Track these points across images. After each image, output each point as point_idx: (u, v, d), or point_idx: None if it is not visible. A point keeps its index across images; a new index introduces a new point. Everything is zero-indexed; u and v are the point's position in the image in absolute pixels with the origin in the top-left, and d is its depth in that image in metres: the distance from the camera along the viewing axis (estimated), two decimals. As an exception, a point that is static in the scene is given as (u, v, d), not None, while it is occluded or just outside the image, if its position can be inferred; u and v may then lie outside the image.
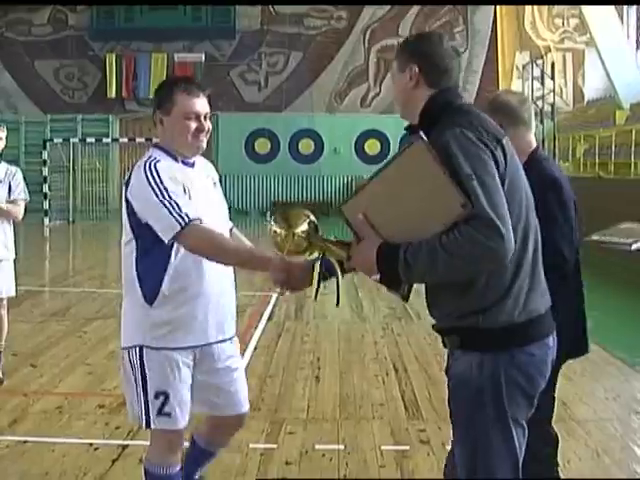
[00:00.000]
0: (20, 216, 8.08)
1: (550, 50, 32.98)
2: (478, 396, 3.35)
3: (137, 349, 4.26)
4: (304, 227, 3.77)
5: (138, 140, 30.34)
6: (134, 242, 4.24)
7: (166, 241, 4.06)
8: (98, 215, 30.29)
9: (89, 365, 8.84)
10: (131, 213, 4.19)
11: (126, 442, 6.35)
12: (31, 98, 35.71)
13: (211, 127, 4.46)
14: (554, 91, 29.32)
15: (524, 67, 32.58)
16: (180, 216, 4.01)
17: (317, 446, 6.51)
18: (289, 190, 35.16)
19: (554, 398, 4.69)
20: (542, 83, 29.54)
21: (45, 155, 29.94)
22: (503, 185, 3.24)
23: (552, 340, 3.47)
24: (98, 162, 33.06)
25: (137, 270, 4.25)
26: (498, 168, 3.24)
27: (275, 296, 13.12)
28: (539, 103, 28.77)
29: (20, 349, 9.19)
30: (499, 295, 3.30)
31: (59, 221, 29.37)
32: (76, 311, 12.23)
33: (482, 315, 3.31)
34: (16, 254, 8.32)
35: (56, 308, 12.54)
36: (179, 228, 4.00)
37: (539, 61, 30.74)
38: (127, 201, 4.20)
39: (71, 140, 31.60)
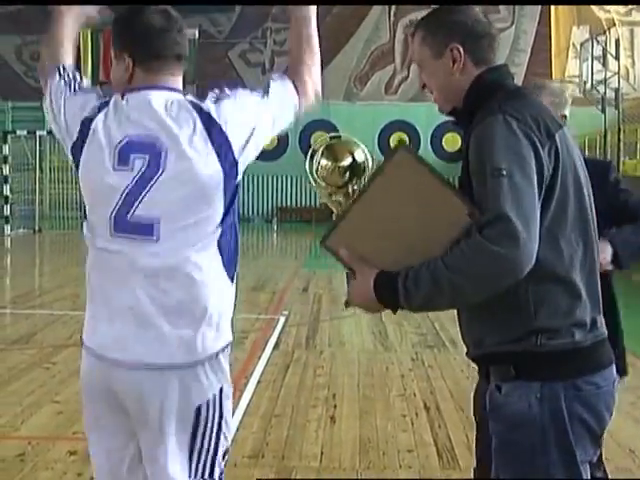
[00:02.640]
0: None
1: (614, 24, 32.96)
2: (541, 438, 3.31)
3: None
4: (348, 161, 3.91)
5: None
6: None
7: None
8: (70, 223, 30.35)
9: (58, 403, 8.84)
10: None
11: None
12: (-11, 82, 35.89)
13: None
14: (619, 73, 29.20)
15: (582, 45, 32.45)
16: None
17: (332, 501, 6.51)
18: (299, 193, 35.23)
19: None
20: (604, 64, 29.44)
21: (6, 150, 29.99)
22: (551, 190, 3.23)
23: (614, 368, 3.46)
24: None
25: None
26: (542, 169, 3.21)
27: (282, 320, 13.12)
28: (600, 88, 28.70)
29: (-25, 383, 9.17)
30: (561, 312, 3.28)
31: (23, 230, 29.41)
32: (43, 337, 12.24)
33: (542, 335, 3.27)
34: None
35: (19, 334, 12.56)
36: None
37: (601, 37, 30.63)
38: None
39: (37, 132, 31.55)
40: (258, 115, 3.85)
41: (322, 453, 7.52)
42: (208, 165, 3.66)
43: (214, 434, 3.82)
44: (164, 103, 3.75)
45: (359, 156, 3.88)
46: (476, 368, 3.66)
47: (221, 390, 3.83)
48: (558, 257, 3.26)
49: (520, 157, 3.16)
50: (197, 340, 3.71)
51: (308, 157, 4.05)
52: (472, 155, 3.25)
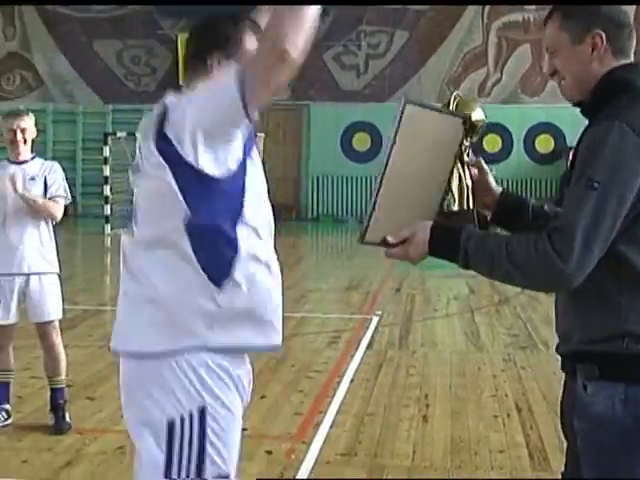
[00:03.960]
0: (58, 216, 8.07)
1: None
2: (624, 440, 3.30)
3: None
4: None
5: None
6: None
7: None
8: (167, 222, 30.34)
9: (155, 398, 8.89)
10: None
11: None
12: (90, 85, 36.14)
13: None
14: None
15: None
16: None
17: (424, 500, 6.49)
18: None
19: None
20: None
21: (106, 151, 30.22)
22: None
23: None
24: (168, 160, 33.33)
25: None
26: None
27: (376, 320, 13.11)
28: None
29: (75, 379, 9.27)
30: None
31: (123, 229, 29.64)
32: (141, 335, 12.31)
33: (629, 338, 3.26)
34: (60, 268, 8.31)
35: (118, 331, 12.65)
36: None
37: None
38: None
39: (137, 134, 31.74)
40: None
41: (414, 452, 7.51)
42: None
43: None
44: None
45: (477, 115, 3.85)
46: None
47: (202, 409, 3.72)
48: None
49: (621, 174, 3.13)
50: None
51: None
52: (579, 155, 3.24)
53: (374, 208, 3.48)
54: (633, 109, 3.24)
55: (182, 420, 3.66)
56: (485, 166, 3.79)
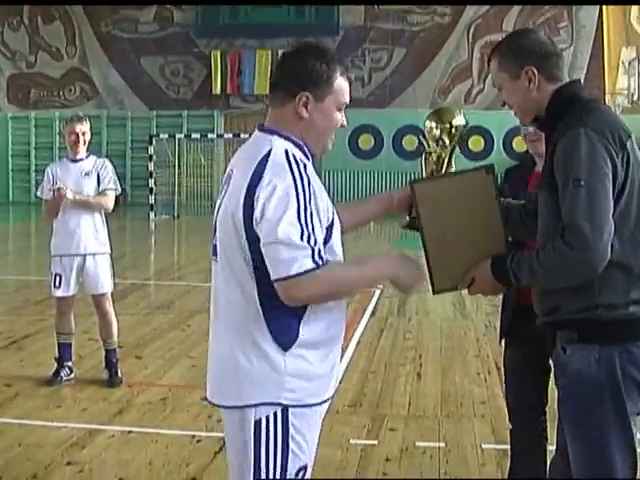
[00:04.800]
0: (109, 207, 8.13)
1: (657, 45, 32.32)
2: (597, 392, 3.35)
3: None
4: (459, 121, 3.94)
5: (243, 136, 30.34)
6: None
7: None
8: (203, 210, 30.52)
9: (193, 358, 8.94)
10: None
11: (228, 435, 6.40)
12: (137, 94, 36.17)
13: None
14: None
15: (630, 63, 31.98)
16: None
17: (418, 443, 6.50)
18: (393, 186, 35.03)
19: None
20: (648, 79, 29.01)
21: (151, 150, 30.31)
22: (622, 192, 3.25)
23: None
24: (203, 158, 33.27)
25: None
26: (616, 177, 3.23)
27: (378, 292, 13.11)
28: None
29: (125, 341, 9.30)
30: (619, 292, 3.31)
31: (164, 216, 29.69)
32: (180, 304, 12.38)
33: (602, 308, 3.31)
34: (112, 248, 8.34)
35: (161, 301, 12.72)
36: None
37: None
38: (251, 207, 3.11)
39: (176, 136, 31.79)
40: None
41: (409, 403, 7.53)
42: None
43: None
44: None
45: (458, 120, 3.94)
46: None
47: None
48: (620, 247, 3.28)
49: (598, 168, 3.18)
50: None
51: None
52: (557, 165, 3.27)
53: (430, 266, 3.57)
54: (589, 118, 3.29)
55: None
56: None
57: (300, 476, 3.24)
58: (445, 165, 3.92)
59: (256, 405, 3.18)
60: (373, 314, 11.68)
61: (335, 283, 3.12)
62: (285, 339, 3.18)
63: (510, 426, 5.08)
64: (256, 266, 3.14)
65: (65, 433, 6.62)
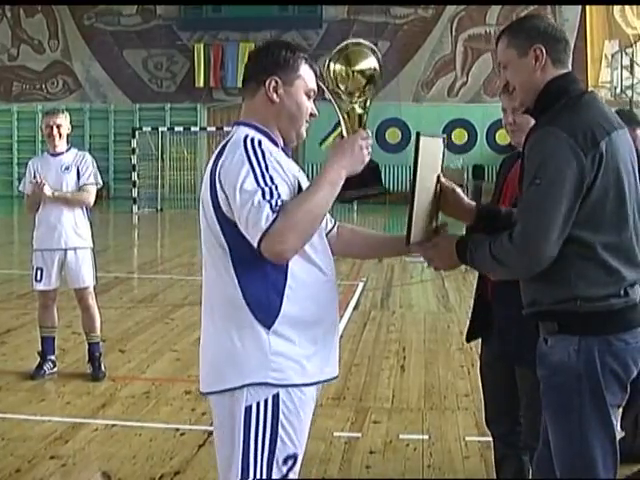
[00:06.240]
0: (90, 202, 8.10)
1: None
2: (577, 383, 3.38)
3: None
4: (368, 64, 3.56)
5: (226, 129, 30.29)
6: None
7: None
8: (186, 203, 30.47)
9: (176, 351, 8.94)
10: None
11: (212, 428, 6.37)
12: (120, 87, 36.11)
13: None
14: (644, 80, 28.86)
15: (613, 56, 32.08)
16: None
17: (401, 435, 6.51)
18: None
19: None
20: (631, 72, 29.09)
21: (134, 143, 30.25)
22: (590, 190, 3.26)
23: None
24: (186, 151, 33.24)
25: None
26: (583, 175, 3.24)
27: (361, 285, 13.12)
28: (628, 92, 28.32)
29: (109, 335, 9.28)
30: (597, 284, 3.33)
31: (147, 209, 29.64)
32: (164, 298, 12.37)
33: (581, 300, 3.34)
34: (94, 242, 8.31)
35: (144, 294, 12.70)
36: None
37: (628, 49, 30.28)
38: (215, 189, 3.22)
39: (159, 129, 31.73)
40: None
41: (393, 396, 7.53)
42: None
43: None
44: None
45: (372, 63, 3.56)
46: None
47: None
48: (596, 242, 3.31)
49: (559, 169, 3.21)
50: None
51: (326, 64, 3.60)
52: (525, 159, 3.35)
53: (411, 216, 3.49)
54: (565, 115, 3.32)
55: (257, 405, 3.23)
56: (457, 188, 3.79)
57: (289, 465, 3.27)
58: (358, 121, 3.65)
59: (242, 387, 3.21)
60: (356, 307, 11.68)
61: (303, 214, 3.08)
62: (266, 315, 3.22)
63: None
64: (228, 244, 3.22)
65: (48, 427, 6.60)
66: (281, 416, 3.23)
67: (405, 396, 7.54)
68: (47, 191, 7.87)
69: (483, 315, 4.64)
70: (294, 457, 3.29)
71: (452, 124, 34.39)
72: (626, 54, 29.93)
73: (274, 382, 3.22)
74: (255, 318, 3.21)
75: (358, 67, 3.54)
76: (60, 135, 8.07)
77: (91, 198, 8.10)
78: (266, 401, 3.21)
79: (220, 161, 3.21)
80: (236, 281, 3.22)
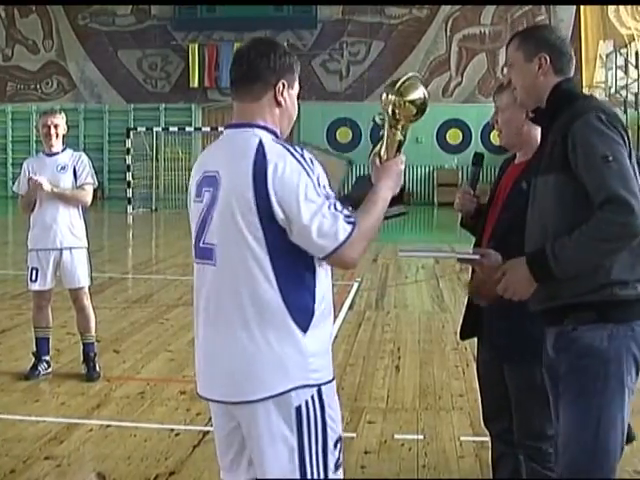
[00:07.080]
0: (88, 201, 8.11)
1: (634, 39, 32.43)
2: (604, 368, 3.51)
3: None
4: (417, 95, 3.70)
5: (221, 129, 30.15)
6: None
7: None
8: (180, 204, 30.42)
9: (171, 352, 8.94)
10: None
11: (207, 428, 6.39)
12: (115, 87, 36.04)
13: None
14: (638, 80, 28.88)
15: (607, 56, 32.14)
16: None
17: (396, 436, 6.51)
18: (369, 179, 34.99)
19: None
20: (626, 72, 29.17)
21: (128, 143, 30.19)
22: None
23: None
24: (181, 151, 33.15)
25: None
26: (629, 154, 3.44)
27: (356, 285, 13.12)
28: (623, 92, 28.37)
29: (103, 335, 9.29)
30: (628, 268, 3.48)
31: (142, 209, 29.61)
32: (158, 298, 12.37)
33: (616, 286, 3.47)
34: (89, 242, 8.29)
35: (139, 295, 12.70)
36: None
37: (623, 50, 30.36)
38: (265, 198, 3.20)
39: (154, 129, 31.68)
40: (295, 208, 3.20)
41: (388, 396, 7.54)
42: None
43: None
44: None
45: (421, 94, 3.71)
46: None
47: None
48: None
49: (618, 145, 3.41)
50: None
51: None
52: (574, 148, 3.43)
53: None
54: (593, 105, 3.56)
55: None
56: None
57: (338, 447, 3.41)
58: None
59: (288, 391, 3.29)
60: (351, 308, 11.69)
61: (370, 226, 3.35)
62: (303, 318, 3.31)
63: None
64: (269, 250, 3.26)
65: (43, 427, 6.60)
66: (326, 407, 3.37)
67: (400, 396, 7.55)
68: (46, 186, 7.85)
69: (475, 313, 4.67)
70: (340, 439, 3.44)
71: (447, 124, 34.40)
72: (620, 54, 30.06)
73: (314, 383, 3.34)
74: (294, 321, 3.28)
75: (409, 97, 3.67)
76: (57, 135, 8.07)
77: (89, 198, 8.10)
78: (312, 397, 3.33)
79: (269, 168, 3.20)
80: (276, 286, 3.28)
